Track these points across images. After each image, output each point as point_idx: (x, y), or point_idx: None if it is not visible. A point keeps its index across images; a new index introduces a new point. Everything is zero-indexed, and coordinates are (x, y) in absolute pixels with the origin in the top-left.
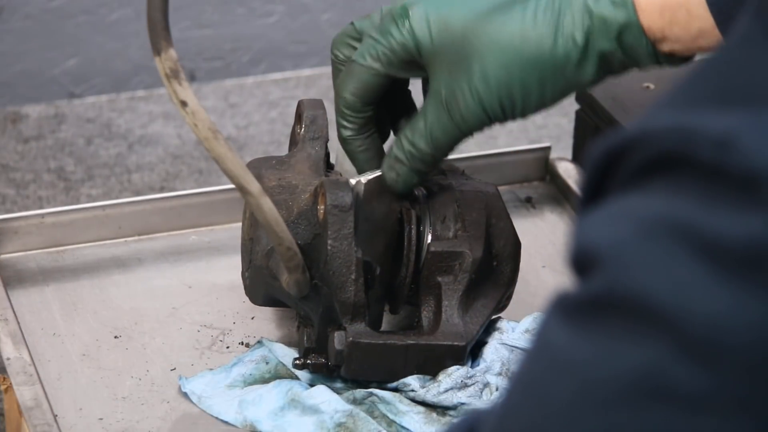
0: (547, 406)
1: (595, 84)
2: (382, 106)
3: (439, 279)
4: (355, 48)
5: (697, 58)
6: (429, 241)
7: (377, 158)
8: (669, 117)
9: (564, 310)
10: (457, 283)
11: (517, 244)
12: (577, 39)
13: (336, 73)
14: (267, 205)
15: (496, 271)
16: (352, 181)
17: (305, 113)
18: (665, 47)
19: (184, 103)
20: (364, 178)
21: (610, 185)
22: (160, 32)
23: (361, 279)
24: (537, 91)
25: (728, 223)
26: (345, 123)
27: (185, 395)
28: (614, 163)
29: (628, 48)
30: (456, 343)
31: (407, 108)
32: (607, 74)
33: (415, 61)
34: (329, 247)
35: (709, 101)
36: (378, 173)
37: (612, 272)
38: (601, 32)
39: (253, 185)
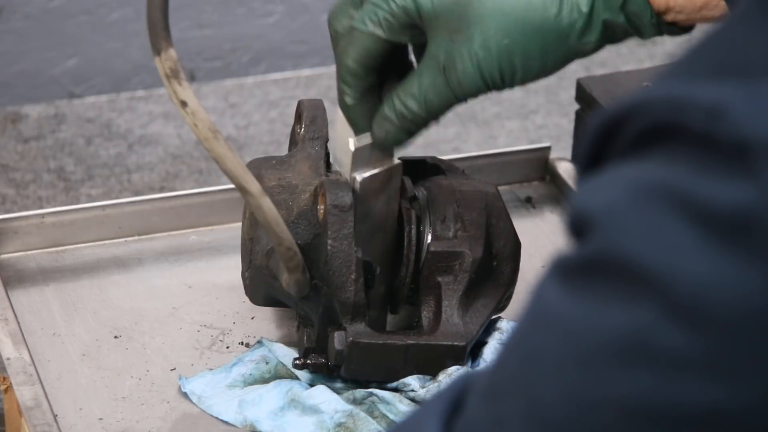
0: (538, 364)
1: (595, 51)
2: (385, 71)
3: (439, 279)
4: (353, 18)
5: (699, 27)
6: (429, 241)
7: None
8: (665, 88)
9: (559, 272)
10: (457, 283)
11: (517, 244)
12: (582, 8)
13: (336, 46)
14: (267, 205)
15: (496, 271)
16: (352, 144)
17: (305, 113)
18: (668, 17)
19: (184, 103)
20: (357, 144)
21: (609, 154)
22: (160, 32)
23: (361, 279)
24: (538, 59)
25: (718, 190)
26: (347, 90)
27: (185, 395)
28: (613, 132)
29: (631, 17)
30: (456, 343)
31: (405, 71)
32: (608, 42)
33: (416, 25)
34: (329, 247)
35: (705, 73)
36: (376, 171)
37: (605, 235)
38: (606, 2)
39: (253, 185)
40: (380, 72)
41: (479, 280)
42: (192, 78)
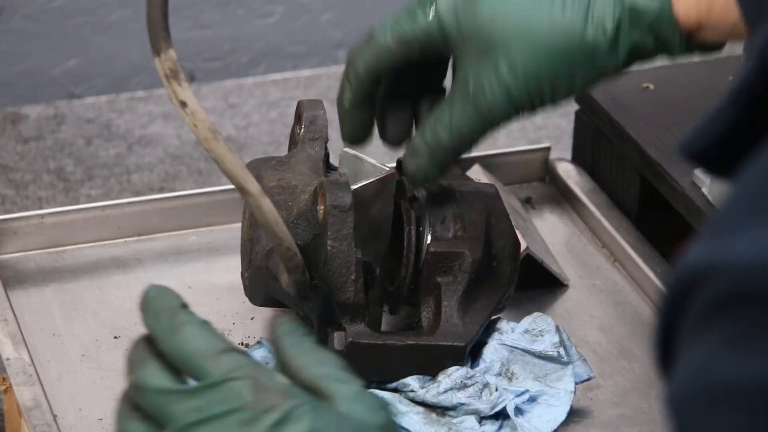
0: None
1: (625, 69)
2: (415, 82)
3: (439, 279)
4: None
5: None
6: (429, 241)
7: (364, 130)
8: (739, 245)
9: None
10: (457, 283)
11: (516, 245)
12: (607, 29)
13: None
14: (267, 205)
15: (495, 272)
16: (349, 151)
17: (305, 114)
18: (699, 36)
19: (183, 104)
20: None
21: (683, 327)
22: (159, 33)
23: (361, 279)
24: (566, 81)
25: None
26: (347, 91)
27: None
28: (683, 301)
29: (659, 38)
30: (455, 344)
31: (435, 92)
32: (635, 61)
33: (435, 47)
34: (329, 248)
35: None
36: (367, 181)
37: None
38: (633, 22)
39: (253, 186)
40: (411, 82)
41: (479, 281)
42: (192, 78)
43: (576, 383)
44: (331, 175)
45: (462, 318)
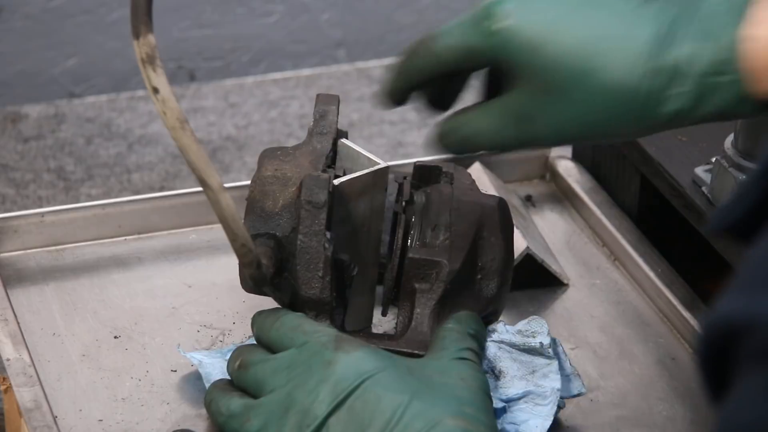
0: None
1: None
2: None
3: (416, 286)
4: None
5: None
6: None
7: (403, 98)
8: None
9: None
10: (432, 292)
11: (506, 261)
12: (684, 106)
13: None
14: (225, 200)
15: (479, 285)
16: (347, 143)
17: (315, 107)
18: None
19: (156, 90)
20: (338, 181)
21: (733, 366)
22: (141, 17)
23: (329, 276)
24: (613, 136)
25: None
26: (387, 91)
27: (187, 385)
28: (729, 344)
29: (730, 116)
30: (417, 352)
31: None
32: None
33: (497, 61)
34: (299, 242)
35: None
36: (356, 175)
37: None
38: (706, 103)
39: (214, 179)
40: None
41: (457, 292)
42: (192, 78)
43: (564, 397)
44: (329, 172)
45: (432, 327)
